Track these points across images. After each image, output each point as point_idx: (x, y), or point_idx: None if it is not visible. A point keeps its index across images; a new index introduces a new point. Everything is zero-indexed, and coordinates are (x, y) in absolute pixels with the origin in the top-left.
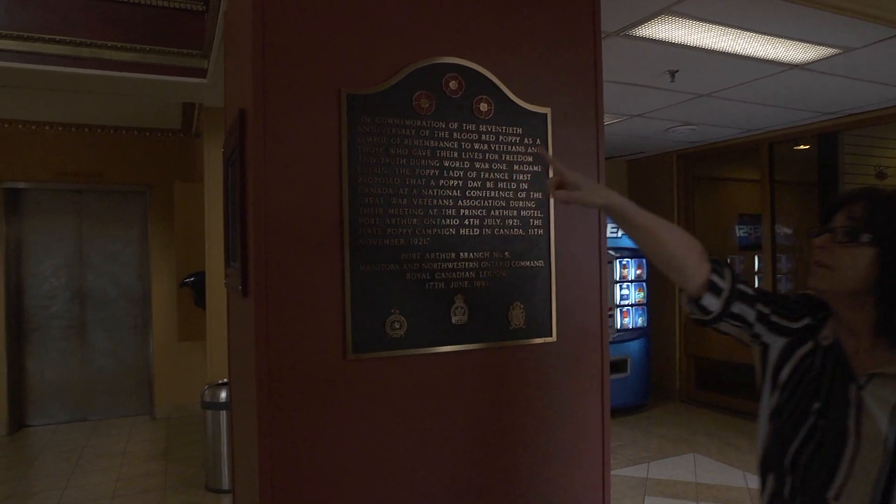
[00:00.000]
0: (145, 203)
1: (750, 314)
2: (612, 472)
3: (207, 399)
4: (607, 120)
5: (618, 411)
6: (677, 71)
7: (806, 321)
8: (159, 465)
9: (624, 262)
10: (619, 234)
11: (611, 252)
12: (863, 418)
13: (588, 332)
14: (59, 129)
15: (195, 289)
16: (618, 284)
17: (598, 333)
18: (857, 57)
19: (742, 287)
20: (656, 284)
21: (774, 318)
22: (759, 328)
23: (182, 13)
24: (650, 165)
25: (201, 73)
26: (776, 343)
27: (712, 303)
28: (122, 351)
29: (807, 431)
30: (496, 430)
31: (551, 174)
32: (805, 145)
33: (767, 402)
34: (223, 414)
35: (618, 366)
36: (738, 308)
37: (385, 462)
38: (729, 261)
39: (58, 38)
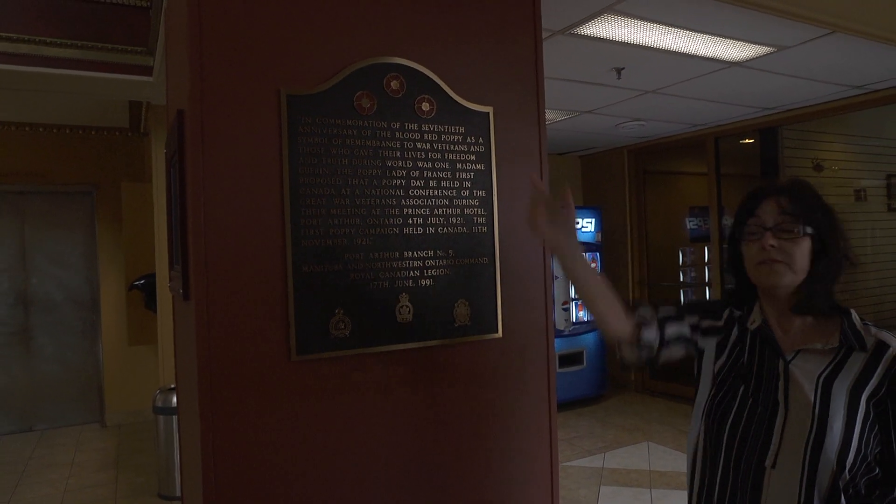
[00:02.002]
0: (92, 204)
1: (685, 329)
2: (568, 463)
3: (159, 404)
4: (557, 116)
5: (575, 403)
6: (623, 68)
7: (727, 314)
8: (109, 474)
9: None
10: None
11: None
12: (791, 389)
13: (534, 328)
14: None
15: (145, 291)
16: None
17: (543, 328)
18: (791, 55)
19: (665, 312)
20: (611, 278)
21: (705, 324)
22: (697, 338)
23: (127, 9)
24: (602, 160)
25: (147, 70)
26: (710, 344)
27: (650, 334)
28: (69, 357)
29: (738, 408)
30: (445, 426)
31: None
32: (750, 139)
33: (703, 396)
34: (175, 419)
35: (574, 358)
36: (672, 329)
37: (332, 463)
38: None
39: None
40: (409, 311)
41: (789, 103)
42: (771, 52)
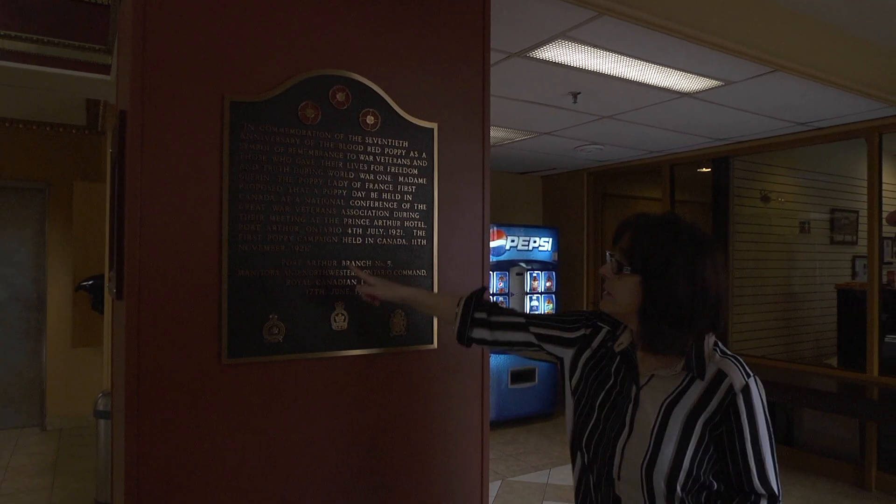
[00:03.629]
0: (43, 201)
1: (529, 337)
2: (513, 478)
3: (101, 408)
4: (516, 136)
5: (525, 419)
6: (579, 93)
7: (581, 332)
8: (45, 479)
9: (534, 275)
10: (531, 246)
11: (522, 264)
12: (637, 413)
13: None
14: None
15: (93, 292)
16: (528, 296)
17: None
18: (738, 89)
19: (506, 317)
20: (565, 296)
21: (554, 333)
22: (546, 346)
23: (87, 6)
24: (563, 181)
25: (105, 69)
26: (567, 355)
27: (481, 333)
28: (11, 358)
29: (594, 421)
30: (377, 435)
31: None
32: (707, 168)
33: (569, 400)
34: (111, 424)
35: (526, 375)
36: (507, 336)
37: (262, 469)
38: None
39: None
40: (345, 319)
41: (738, 135)
42: (719, 86)
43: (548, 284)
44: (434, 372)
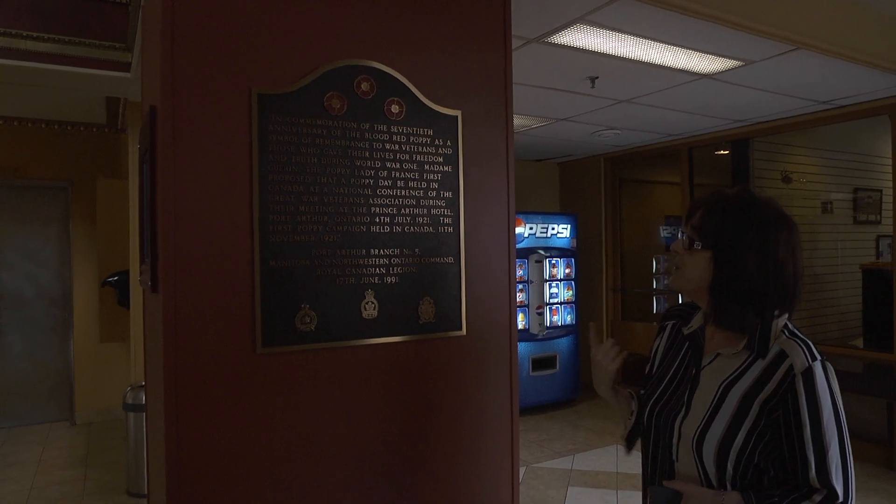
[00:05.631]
0: (67, 199)
1: None
2: (538, 465)
3: (129, 401)
4: (534, 123)
5: (547, 406)
6: (597, 77)
7: (669, 323)
8: (77, 471)
9: (553, 262)
10: (549, 234)
11: (540, 251)
12: (697, 393)
13: (497, 327)
14: None
15: (118, 288)
16: (547, 283)
17: (507, 328)
18: (758, 69)
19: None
20: (585, 283)
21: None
22: None
23: (106, 5)
24: (580, 168)
25: (125, 66)
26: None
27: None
28: (39, 354)
29: (655, 400)
30: (407, 421)
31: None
32: (725, 150)
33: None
34: (145, 416)
35: (547, 362)
36: None
37: (295, 455)
38: (655, 261)
39: None
40: (375, 308)
41: (759, 116)
42: (739, 66)
43: (567, 271)
44: (463, 358)
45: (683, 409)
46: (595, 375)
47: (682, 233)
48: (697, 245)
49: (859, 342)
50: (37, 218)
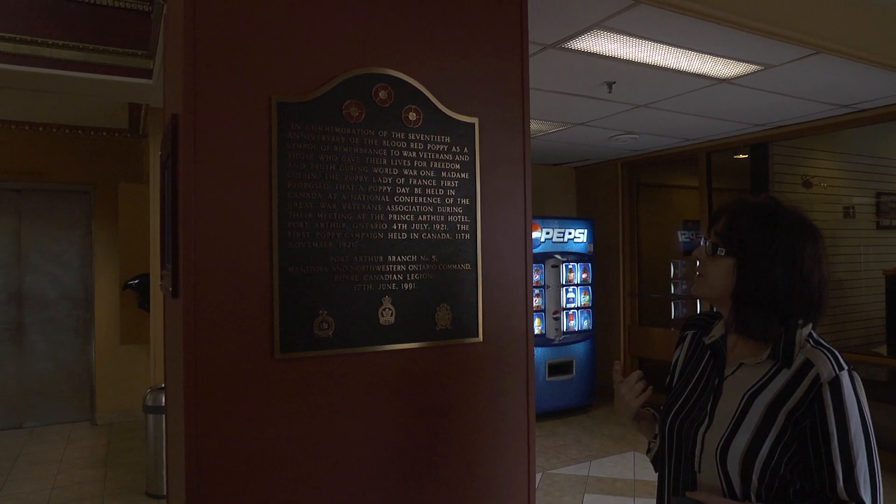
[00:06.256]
0: (89, 203)
1: None
2: (554, 471)
3: (149, 403)
4: (550, 128)
5: (563, 412)
6: (614, 82)
7: (677, 354)
8: (98, 471)
9: (570, 266)
10: (566, 238)
11: (557, 256)
12: (720, 403)
13: (514, 333)
14: None
15: (139, 291)
16: (564, 288)
17: (523, 334)
18: (778, 73)
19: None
20: (601, 288)
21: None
22: None
23: (128, 12)
24: (597, 172)
25: (147, 73)
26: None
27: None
28: (62, 354)
29: (677, 410)
30: (423, 427)
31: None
32: (744, 154)
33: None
34: (164, 418)
35: (564, 368)
36: None
37: (312, 460)
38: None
39: None
40: (392, 314)
41: (778, 120)
42: (758, 71)
43: (584, 276)
44: (479, 364)
45: (706, 420)
46: (618, 408)
47: (705, 239)
48: (721, 252)
49: (883, 349)
50: (60, 221)
